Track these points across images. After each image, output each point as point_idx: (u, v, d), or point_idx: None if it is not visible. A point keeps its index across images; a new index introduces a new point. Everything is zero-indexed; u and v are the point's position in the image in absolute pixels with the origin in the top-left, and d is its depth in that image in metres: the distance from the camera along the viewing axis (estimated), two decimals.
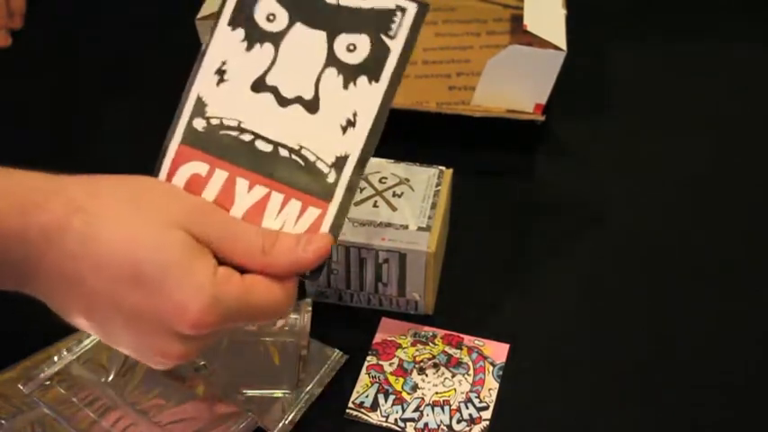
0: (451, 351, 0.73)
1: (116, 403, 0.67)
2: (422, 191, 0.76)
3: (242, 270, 0.55)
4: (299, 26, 0.57)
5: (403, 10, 0.56)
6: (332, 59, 0.57)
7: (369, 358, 0.73)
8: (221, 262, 0.54)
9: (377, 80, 0.56)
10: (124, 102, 0.96)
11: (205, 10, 0.90)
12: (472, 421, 0.69)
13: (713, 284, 0.79)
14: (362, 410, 0.69)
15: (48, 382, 0.68)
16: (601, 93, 0.99)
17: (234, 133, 0.57)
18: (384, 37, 0.56)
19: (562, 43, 0.86)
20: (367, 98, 0.56)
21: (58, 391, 0.68)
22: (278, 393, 0.69)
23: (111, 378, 0.69)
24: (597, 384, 0.72)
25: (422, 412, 0.69)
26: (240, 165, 0.57)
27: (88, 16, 1.08)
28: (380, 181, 0.76)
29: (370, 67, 0.56)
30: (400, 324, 0.75)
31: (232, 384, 0.69)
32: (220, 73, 0.58)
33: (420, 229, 0.73)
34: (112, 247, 0.52)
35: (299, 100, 0.57)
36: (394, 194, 0.75)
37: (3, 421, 0.66)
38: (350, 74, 0.57)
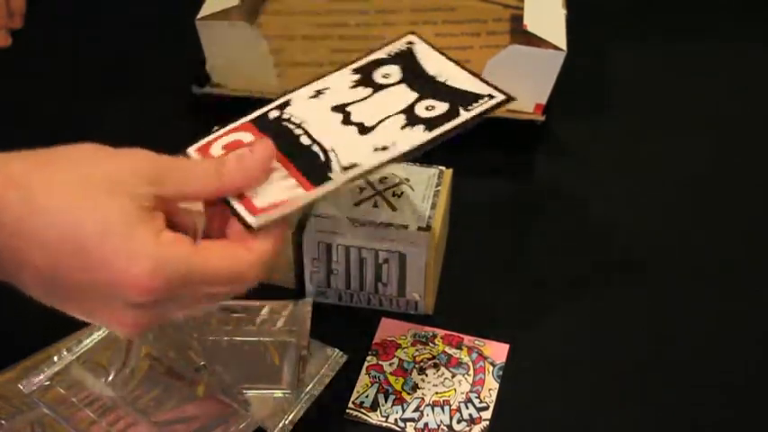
0: (451, 351, 0.73)
1: (116, 403, 0.67)
2: (422, 191, 0.76)
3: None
4: (401, 86, 0.63)
5: (492, 97, 0.62)
6: (408, 111, 0.61)
7: (369, 358, 0.73)
8: (175, 225, 0.54)
9: (430, 131, 0.60)
10: (124, 102, 0.96)
11: (205, 10, 0.90)
12: (472, 421, 0.69)
13: (713, 284, 0.79)
14: (362, 410, 0.69)
15: (48, 382, 0.68)
16: (601, 93, 0.99)
17: (290, 126, 0.61)
18: (461, 108, 0.61)
19: (562, 43, 0.86)
20: (411, 138, 0.60)
21: (57, 391, 0.68)
22: (278, 393, 0.69)
23: (111, 378, 0.69)
24: (597, 384, 0.72)
25: (422, 412, 0.69)
26: (277, 145, 0.59)
27: (88, 16, 1.08)
28: (380, 181, 0.76)
29: (433, 122, 0.60)
30: (400, 324, 0.75)
31: (232, 384, 0.69)
32: (318, 92, 0.63)
33: (420, 229, 0.73)
34: (51, 221, 0.51)
35: (359, 124, 0.61)
36: (394, 194, 0.75)
37: (3, 421, 0.66)
38: (413, 121, 0.61)
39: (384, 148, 0.59)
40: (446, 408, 0.69)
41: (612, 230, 0.84)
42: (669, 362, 0.73)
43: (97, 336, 0.71)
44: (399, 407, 0.69)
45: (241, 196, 0.56)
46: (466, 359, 0.73)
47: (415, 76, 0.64)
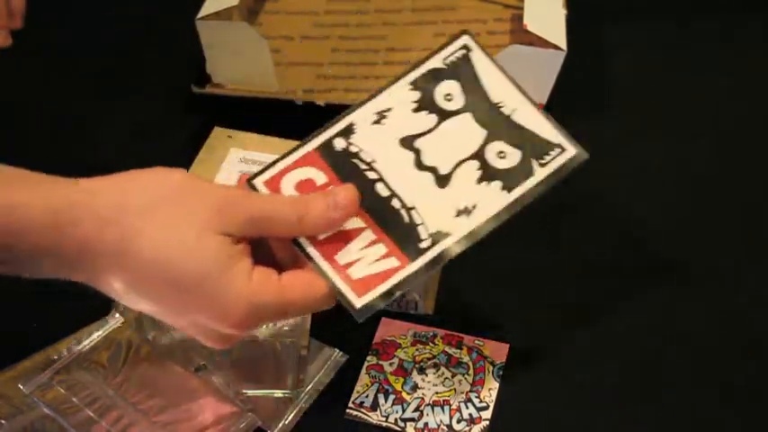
0: (451, 351, 0.73)
1: (116, 403, 0.67)
2: None
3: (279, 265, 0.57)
4: (467, 116, 0.61)
5: (562, 149, 0.60)
6: (480, 155, 0.60)
7: (369, 358, 0.73)
8: (260, 247, 0.56)
9: (509, 191, 0.59)
10: (124, 102, 0.96)
11: (205, 10, 0.90)
12: (472, 421, 0.69)
13: (713, 284, 0.79)
14: (362, 410, 0.69)
15: (48, 382, 0.68)
16: (601, 93, 0.99)
17: (363, 166, 0.60)
18: (534, 161, 0.60)
19: (562, 43, 0.86)
20: (492, 200, 0.59)
21: (58, 391, 0.68)
22: (278, 393, 0.69)
23: (111, 378, 0.69)
24: (597, 384, 0.72)
25: (422, 412, 0.69)
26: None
27: (88, 16, 1.08)
28: None
29: (509, 178, 0.59)
30: (400, 324, 0.75)
31: (232, 384, 0.69)
32: (380, 115, 0.61)
33: None
34: (147, 262, 0.53)
35: (433, 170, 0.60)
36: None
37: (3, 421, 0.66)
38: (489, 174, 0.59)
39: (466, 211, 0.58)
40: (446, 407, 0.69)
41: (612, 231, 0.84)
42: (669, 362, 0.73)
43: (97, 336, 0.71)
44: (399, 407, 0.69)
45: (328, 255, 0.57)
46: (466, 359, 0.73)
47: (478, 102, 0.61)
